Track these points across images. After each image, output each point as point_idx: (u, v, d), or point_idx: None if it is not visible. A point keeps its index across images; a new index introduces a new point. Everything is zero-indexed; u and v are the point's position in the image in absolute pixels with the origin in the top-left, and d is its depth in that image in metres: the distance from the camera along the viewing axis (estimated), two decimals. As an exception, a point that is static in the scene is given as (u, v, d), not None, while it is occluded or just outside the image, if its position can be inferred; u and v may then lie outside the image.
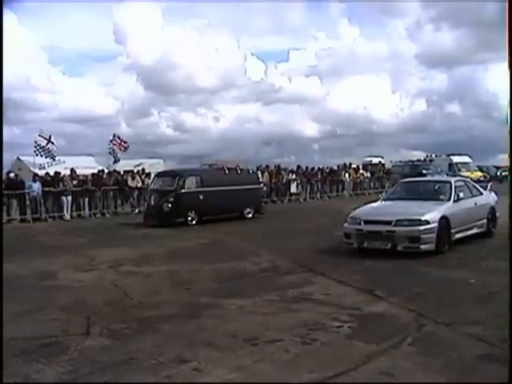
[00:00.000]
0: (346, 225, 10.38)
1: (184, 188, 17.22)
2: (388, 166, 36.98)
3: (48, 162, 23.37)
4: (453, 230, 10.21)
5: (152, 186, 19.04)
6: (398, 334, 5.27)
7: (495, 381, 3.93)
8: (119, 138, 25.90)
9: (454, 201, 10.66)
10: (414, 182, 13.49)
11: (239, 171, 19.09)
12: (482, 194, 12.03)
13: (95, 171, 23.09)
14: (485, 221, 11.59)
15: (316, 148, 68.72)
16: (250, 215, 18.70)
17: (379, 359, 4.62)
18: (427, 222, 9.59)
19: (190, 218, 17.14)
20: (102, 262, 10.42)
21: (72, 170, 22.16)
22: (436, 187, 11.63)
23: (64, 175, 21.40)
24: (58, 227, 18.07)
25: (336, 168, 31.25)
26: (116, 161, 25.67)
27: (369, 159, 38.44)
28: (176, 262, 10.31)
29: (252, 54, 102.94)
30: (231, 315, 6.26)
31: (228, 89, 78.56)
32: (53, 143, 23.27)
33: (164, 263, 10.18)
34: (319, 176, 28.88)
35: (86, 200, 21.20)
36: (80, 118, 70.03)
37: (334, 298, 6.85)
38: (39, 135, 23.24)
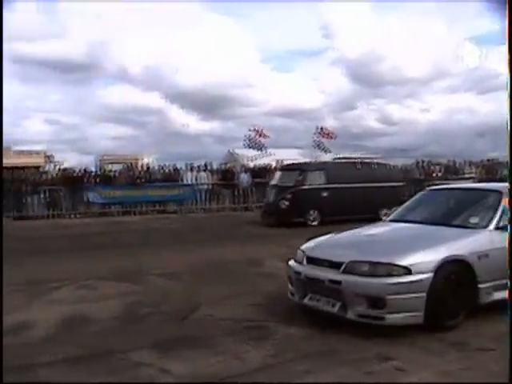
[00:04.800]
0: (291, 262, 6.19)
1: (304, 184, 15.71)
2: None
3: (258, 155, 24.75)
4: (484, 285, 5.42)
5: (273, 180, 17.47)
6: None
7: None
8: (325, 129, 26.09)
9: (498, 228, 5.73)
10: (442, 190, 7.74)
11: (375, 166, 17.11)
12: None
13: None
14: None
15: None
16: (389, 217, 16.17)
17: None
18: (406, 272, 5.05)
19: (310, 218, 15.58)
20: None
21: (278, 162, 23.20)
22: (472, 202, 6.60)
23: (271, 167, 22.52)
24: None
25: None
26: (326, 152, 25.74)
27: None
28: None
29: (466, 39, 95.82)
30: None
31: (440, 78, 74.60)
32: (265, 136, 24.52)
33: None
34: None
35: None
36: (288, 111, 73.03)
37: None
38: (251, 129, 24.72)
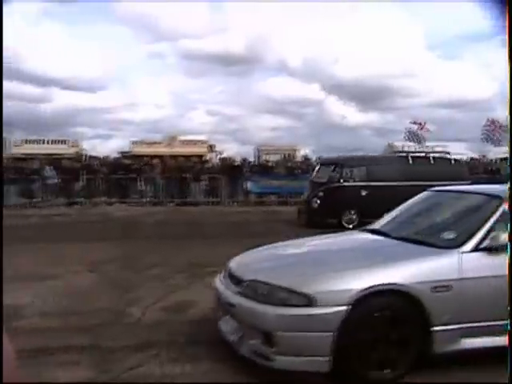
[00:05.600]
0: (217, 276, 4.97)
1: (340, 181, 13.71)
2: None
3: (418, 148, 23.52)
4: (442, 328, 3.86)
5: (311, 176, 15.60)
6: None
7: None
8: (497, 121, 23.94)
9: (478, 249, 4.10)
10: (441, 193, 5.86)
11: (432, 161, 14.40)
12: None
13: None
14: None
15: None
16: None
17: None
18: (307, 302, 3.70)
19: (346, 220, 13.51)
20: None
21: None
22: (463, 210, 5.01)
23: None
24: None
25: None
26: (496, 145, 23.59)
27: None
28: None
29: None
30: None
31: None
32: (427, 130, 23.26)
33: None
34: None
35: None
36: (453, 102, 68.65)
37: None
38: (412, 122, 23.57)
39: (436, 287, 3.81)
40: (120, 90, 70.62)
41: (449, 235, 4.36)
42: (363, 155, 16.93)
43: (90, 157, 27.66)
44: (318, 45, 73.35)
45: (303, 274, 3.99)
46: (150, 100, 73.17)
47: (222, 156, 27.03)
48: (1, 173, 6.43)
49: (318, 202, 13.80)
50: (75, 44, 69.68)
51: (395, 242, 4.59)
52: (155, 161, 24.04)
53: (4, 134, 36.29)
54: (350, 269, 3.97)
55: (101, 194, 21.63)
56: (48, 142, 33.95)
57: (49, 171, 21.61)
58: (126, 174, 22.19)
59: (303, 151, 30.46)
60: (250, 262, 4.67)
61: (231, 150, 42.25)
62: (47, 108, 65.41)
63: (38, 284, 6.79)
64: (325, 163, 15.81)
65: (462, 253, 4.03)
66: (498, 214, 4.19)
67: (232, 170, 22.14)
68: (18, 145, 33.40)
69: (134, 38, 76.93)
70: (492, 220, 4.18)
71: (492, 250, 4.01)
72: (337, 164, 14.29)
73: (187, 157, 27.81)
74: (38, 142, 34.11)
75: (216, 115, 75.79)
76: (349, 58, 68.90)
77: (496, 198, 4.42)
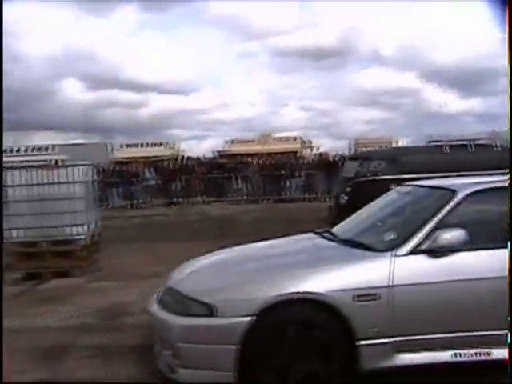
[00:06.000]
0: None
1: (367, 175, 12.41)
2: None
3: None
4: (370, 342, 3.32)
5: (341, 171, 14.60)
6: None
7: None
8: None
9: (417, 251, 3.52)
10: (406, 188, 5.05)
11: (472, 149, 12.43)
12: None
13: None
14: None
15: None
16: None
17: None
18: (208, 312, 3.35)
19: None
20: None
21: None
22: (417, 207, 4.36)
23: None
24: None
25: None
26: None
27: None
28: None
29: None
30: None
31: None
32: None
33: None
34: None
35: None
36: None
37: None
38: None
39: (360, 296, 3.29)
40: (213, 91, 71.98)
41: (388, 236, 3.77)
42: (394, 146, 16.30)
43: (187, 157, 28.18)
44: (415, 32, 70.57)
45: (211, 282, 3.69)
46: (242, 99, 73.86)
47: (318, 151, 26.50)
48: (1, 173, 6.48)
49: (346, 197, 12.92)
50: (169, 49, 72.09)
51: (334, 245, 4.06)
52: (250, 159, 24.01)
53: (106, 140, 38.06)
54: (259, 276, 3.57)
55: (198, 194, 21.93)
56: (146, 145, 35.05)
57: (148, 173, 22.23)
58: (221, 173, 22.36)
59: (401, 143, 29.17)
60: (183, 268, 4.30)
61: (325, 145, 41.44)
62: (145, 113, 68.10)
63: (142, 282, 6.75)
64: (353, 157, 15.03)
65: (396, 256, 3.46)
66: (444, 211, 3.63)
67: (329, 166, 21.57)
68: (119, 149, 34.81)
69: (225, 38, 78.12)
70: (436, 218, 3.60)
71: (434, 252, 3.45)
72: (364, 157, 13.54)
73: (282, 153, 27.57)
74: (137, 145, 35.34)
75: (308, 110, 75.09)
76: (447, 43, 65.76)
77: (449, 193, 3.82)
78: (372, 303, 3.29)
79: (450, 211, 3.62)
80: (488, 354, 3.39)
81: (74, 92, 63.37)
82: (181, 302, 3.52)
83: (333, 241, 4.16)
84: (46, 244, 8.49)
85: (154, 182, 22.15)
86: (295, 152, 30.11)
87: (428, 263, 3.44)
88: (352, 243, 3.91)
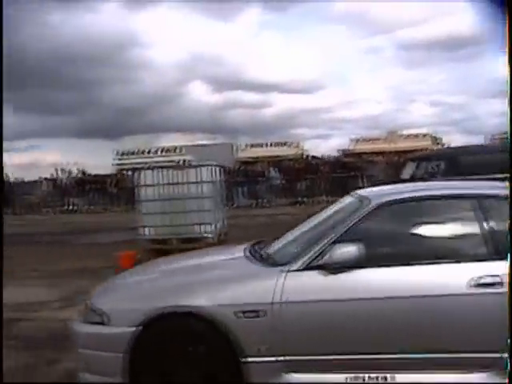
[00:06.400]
0: None
1: (423, 177, 10.41)
2: None
3: None
4: (257, 360, 3.02)
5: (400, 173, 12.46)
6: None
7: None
8: None
9: (309, 268, 3.07)
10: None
11: None
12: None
13: None
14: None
15: None
16: None
17: None
18: (100, 319, 3.33)
19: None
20: None
21: None
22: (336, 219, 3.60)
23: None
24: None
25: None
26: None
27: None
28: None
29: None
30: None
31: None
32: None
33: None
34: None
35: None
36: None
37: None
38: None
39: (244, 312, 3.14)
40: (338, 89, 71.25)
41: (290, 251, 3.56)
42: (457, 146, 14.92)
43: (311, 157, 28.00)
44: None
45: (111, 293, 3.73)
46: (368, 96, 72.23)
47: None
48: (1, 173, 6.46)
49: None
50: (291, 49, 72.58)
51: (241, 260, 3.72)
52: (376, 157, 23.24)
53: (231, 140, 39.10)
54: (153, 288, 3.58)
55: (323, 193, 21.67)
56: (270, 145, 35.44)
57: (273, 173, 22.36)
58: (346, 172, 21.94)
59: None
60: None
61: (457, 141, 39.03)
62: (268, 112, 69.12)
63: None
64: (413, 158, 14.47)
65: (288, 272, 3.19)
66: (347, 223, 3.30)
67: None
68: (243, 149, 35.56)
69: (350, 35, 76.93)
70: (335, 232, 3.27)
71: (332, 268, 3.14)
72: (421, 158, 12.70)
73: (410, 152, 26.37)
74: (261, 145, 35.87)
75: (438, 106, 71.48)
76: None
77: (366, 203, 3.45)
78: (257, 320, 3.13)
79: (354, 224, 3.29)
80: (385, 378, 3.07)
81: (200, 94, 66.22)
82: (87, 311, 3.61)
83: (249, 255, 3.83)
84: (176, 241, 8.70)
85: (278, 182, 22.24)
86: (425, 150, 28.68)
87: (320, 280, 3.17)
88: (261, 258, 3.66)
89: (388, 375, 3.08)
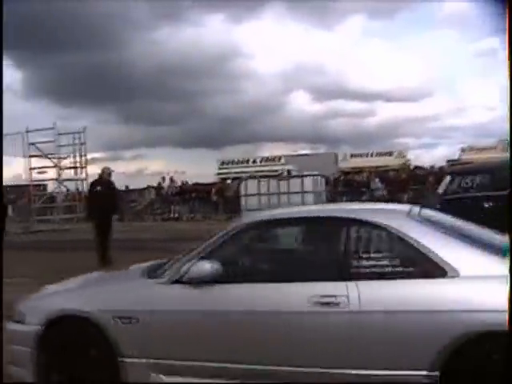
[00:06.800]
0: None
1: (457, 192, 10.41)
2: None
3: None
4: (132, 360, 3.61)
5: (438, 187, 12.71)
6: None
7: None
8: None
9: (179, 281, 3.61)
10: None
11: None
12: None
13: None
14: None
15: None
16: None
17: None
18: (18, 319, 4.06)
19: None
20: None
21: None
22: None
23: None
24: None
25: None
26: None
27: None
28: None
29: None
30: None
31: None
32: None
33: None
34: None
35: None
36: None
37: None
38: None
39: (121, 318, 3.64)
40: (445, 96, 68.27)
41: (171, 264, 3.93)
42: (492, 159, 14.60)
43: (416, 167, 26.90)
44: None
45: (39, 295, 4.25)
46: (478, 102, 68.65)
47: None
48: (1, 173, 6.64)
49: None
50: (396, 55, 70.66)
51: (134, 273, 4.19)
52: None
53: (332, 150, 38.53)
54: (61, 292, 4.21)
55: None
56: (373, 155, 34.55)
57: (376, 183, 21.73)
58: (456, 183, 20.70)
59: None
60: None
61: None
62: (372, 122, 67.66)
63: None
64: (447, 172, 13.62)
65: (160, 284, 3.69)
66: (213, 242, 3.71)
67: None
68: (345, 159, 34.92)
69: (459, 38, 73.57)
70: (198, 251, 3.69)
71: (193, 282, 3.51)
72: (456, 172, 12.17)
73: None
74: (363, 155, 35.04)
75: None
76: None
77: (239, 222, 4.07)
78: (130, 325, 3.59)
79: (220, 242, 3.67)
80: None
81: (302, 103, 66.24)
82: (15, 311, 4.13)
83: (146, 269, 4.22)
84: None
85: (380, 193, 21.55)
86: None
87: (183, 293, 3.56)
88: (153, 272, 4.02)
89: None
